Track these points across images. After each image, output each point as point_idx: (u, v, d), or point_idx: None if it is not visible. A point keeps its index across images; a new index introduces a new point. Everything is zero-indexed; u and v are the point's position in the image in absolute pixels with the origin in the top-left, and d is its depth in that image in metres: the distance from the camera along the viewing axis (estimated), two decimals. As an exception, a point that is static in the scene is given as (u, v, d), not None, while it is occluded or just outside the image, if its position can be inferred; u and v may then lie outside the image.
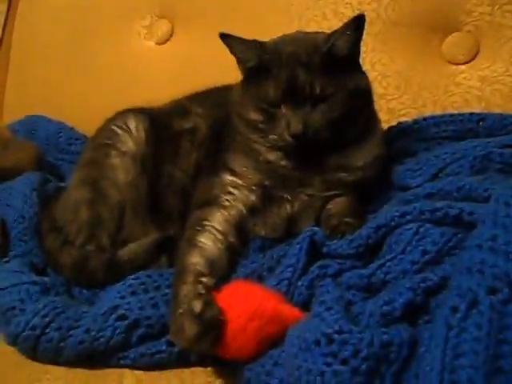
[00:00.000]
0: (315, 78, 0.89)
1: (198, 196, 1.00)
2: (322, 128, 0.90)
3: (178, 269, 0.86)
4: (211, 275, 0.85)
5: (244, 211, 0.95)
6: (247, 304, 0.75)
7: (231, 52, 0.95)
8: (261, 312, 0.73)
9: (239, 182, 0.96)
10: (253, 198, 0.95)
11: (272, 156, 0.94)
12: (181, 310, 0.77)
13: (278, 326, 0.73)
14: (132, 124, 1.08)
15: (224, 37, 0.93)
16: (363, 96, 0.96)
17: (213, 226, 0.92)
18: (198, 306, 0.76)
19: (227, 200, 0.95)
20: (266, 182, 0.95)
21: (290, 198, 0.95)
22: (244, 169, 0.96)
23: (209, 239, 0.90)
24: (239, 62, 0.96)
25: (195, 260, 0.86)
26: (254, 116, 0.94)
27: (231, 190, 0.96)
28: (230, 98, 1.00)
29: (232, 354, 0.75)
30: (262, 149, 0.95)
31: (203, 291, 0.80)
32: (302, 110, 0.89)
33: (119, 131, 1.08)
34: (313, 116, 0.89)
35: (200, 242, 0.90)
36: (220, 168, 0.98)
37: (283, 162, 0.94)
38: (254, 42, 0.94)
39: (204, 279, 0.83)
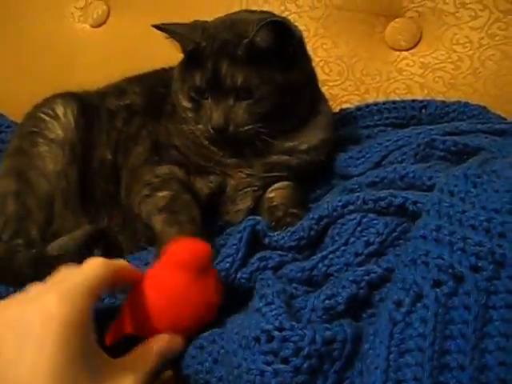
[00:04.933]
0: (237, 70, 0.86)
1: (142, 153, 0.99)
2: (246, 123, 0.87)
3: None
4: None
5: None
6: None
7: (171, 37, 0.91)
8: None
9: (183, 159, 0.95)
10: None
11: (205, 141, 0.93)
12: None
13: None
14: (60, 110, 1.03)
15: (160, 28, 0.90)
16: (297, 90, 0.92)
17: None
18: None
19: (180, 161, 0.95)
20: (202, 163, 0.94)
21: (227, 177, 0.94)
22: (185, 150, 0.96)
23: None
24: (180, 45, 0.93)
25: None
26: (185, 103, 0.93)
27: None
28: (172, 75, 0.98)
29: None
30: (197, 132, 0.93)
31: None
32: (225, 103, 0.87)
33: (46, 118, 1.03)
34: (235, 110, 0.87)
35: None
36: (165, 144, 0.97)
37: (215, 149, 0.93)
38: (196, 25, 0.91)
39: None
